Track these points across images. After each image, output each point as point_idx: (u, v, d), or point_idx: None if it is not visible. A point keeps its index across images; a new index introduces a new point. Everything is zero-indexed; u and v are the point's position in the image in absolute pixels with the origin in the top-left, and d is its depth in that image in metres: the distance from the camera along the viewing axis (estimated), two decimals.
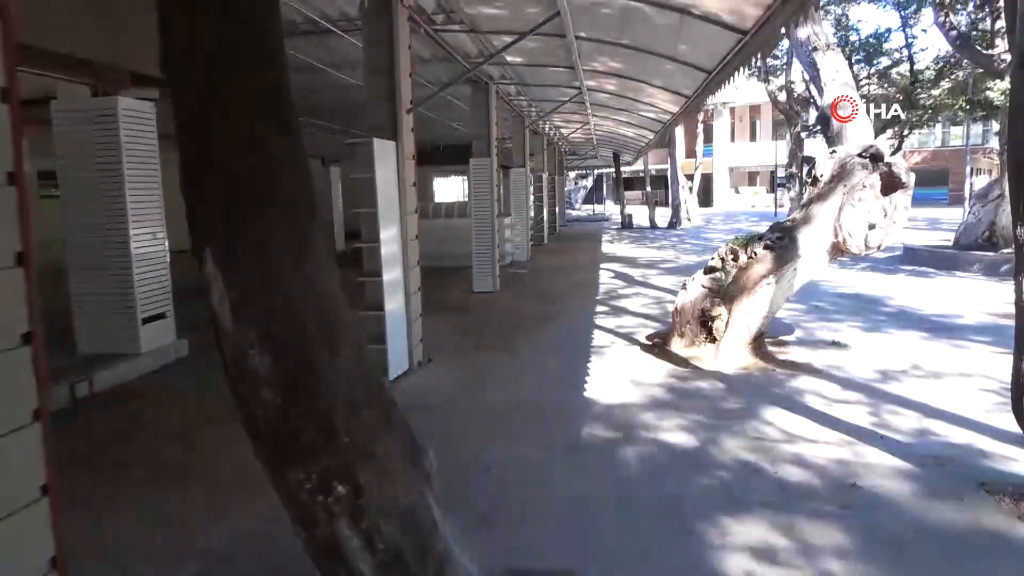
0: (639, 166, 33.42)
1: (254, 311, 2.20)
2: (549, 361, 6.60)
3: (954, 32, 14.49)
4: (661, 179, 39.82)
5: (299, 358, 2.22)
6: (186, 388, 5.91)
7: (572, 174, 46.28)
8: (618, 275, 12.92)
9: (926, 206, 36.93)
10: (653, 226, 26.38)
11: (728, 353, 6.35)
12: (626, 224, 26.99)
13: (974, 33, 16.41)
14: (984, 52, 14.26)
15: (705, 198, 40.88)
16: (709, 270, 6.62)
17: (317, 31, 7.20)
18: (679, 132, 28.20)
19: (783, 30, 4.80)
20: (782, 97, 21.19)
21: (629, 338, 7.42)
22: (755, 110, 43.81)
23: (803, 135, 21.17)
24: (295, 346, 2.22)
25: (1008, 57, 11.79)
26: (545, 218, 20.10)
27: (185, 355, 6.98)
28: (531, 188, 21.35)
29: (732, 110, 43.01)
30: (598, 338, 7.47)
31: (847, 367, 6.06)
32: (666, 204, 36.70)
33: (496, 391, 5.62)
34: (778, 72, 22.97)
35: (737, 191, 45.13)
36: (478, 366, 6.43)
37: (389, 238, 5.86)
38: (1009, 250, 11.02)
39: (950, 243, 14.11)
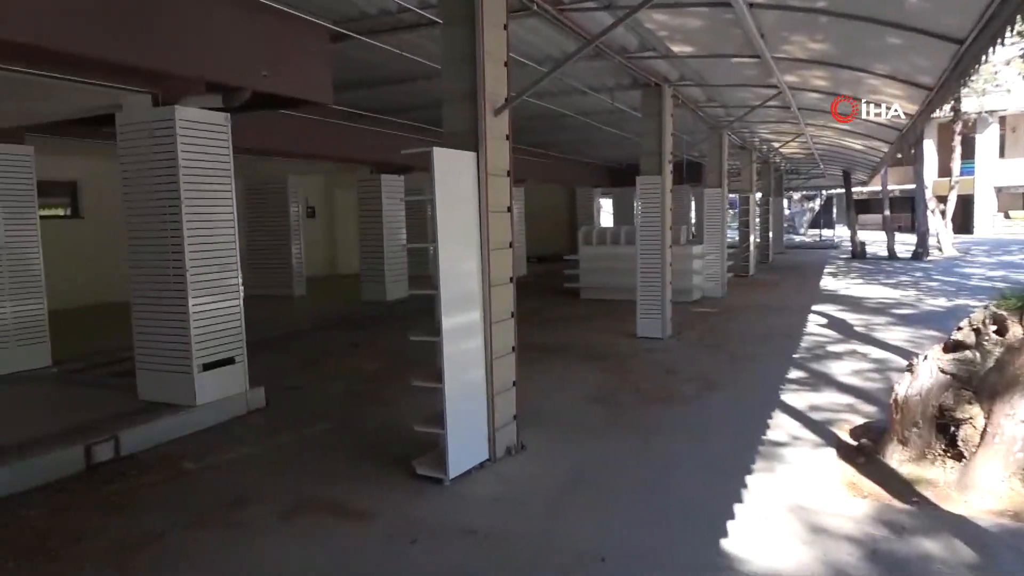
0: (876, 186, 28.86)
1: None
2: (690, 463, 4.59)
3: None
4: (904, 201, 34.40)
5: None
6: (231, 456, 4.79)
7: (796, 195, 41.72)
8: (832, 322, 10.23)
9: None
10: (892, 256, 22.19)
11: (983, 482, 3.93)
12: (857, 253, 23.00)
13: None
14: None
15: (963, 224, 34.46)
16: (954, 346, 4.23)
17: (424, 23, 5.92)
18: (928, 145, 23.69)
19: None
20: None
21: (824, 431, 5.15)
22: None
23: None
24: None
25: None
26: (752, 245, 17.39)
27: (261, 407, 5.97)
28: (732, 211, 18.83)
29: (1002, 119, 35.97)
30: (777, 426, 5.29)
31: None
32: (910, 230, 31.43)
33: (586, 517, 3.77)
34: None
35: (1007, 216, 37.61)
36: (585, 462, 4.60)
37: (457, 281, 4.29)
38: None
39: None
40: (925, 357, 4.31)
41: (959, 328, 4.21)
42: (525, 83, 4.84)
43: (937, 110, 7.38)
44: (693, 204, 22.28)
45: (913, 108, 7.38)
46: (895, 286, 15.09)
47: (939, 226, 23.23)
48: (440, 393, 4.16)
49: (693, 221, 21.09)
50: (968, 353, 4.13)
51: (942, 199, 24.83)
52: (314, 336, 9.64)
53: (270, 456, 4.86)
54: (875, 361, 7.53)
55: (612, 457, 4.71)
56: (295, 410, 6.00)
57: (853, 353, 7.99)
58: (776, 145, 16.79)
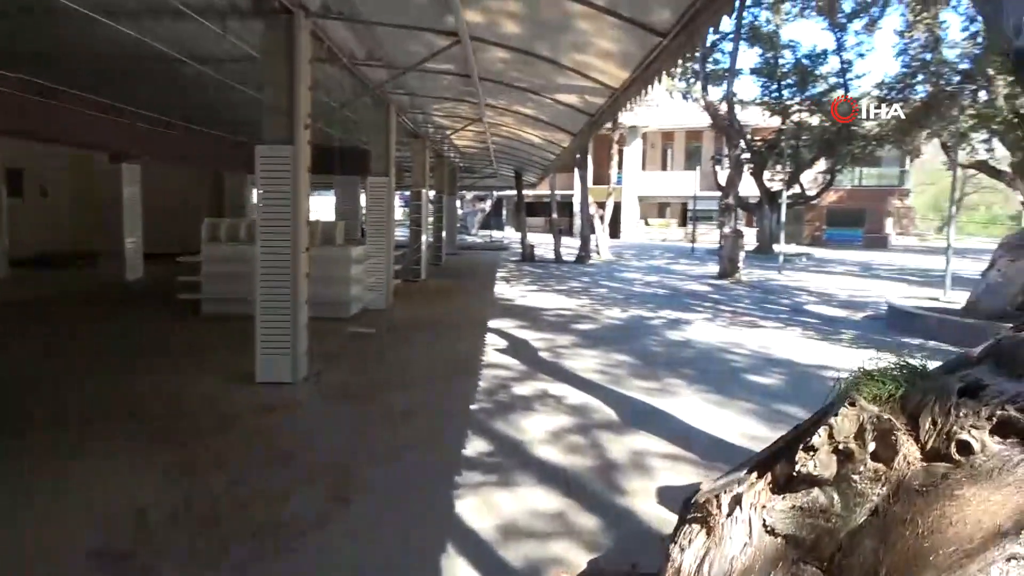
0: (542, 190, 29.43)
1: None
2: None
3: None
4: (564, 206, 36.06)
5: None
6: None
7: (469, 195, 41.82)
8: (513, 345, 8.38)
9: (842, 248, 34.96)
10: (559, 259, 22.17)
11: None
12: (527, 256, 22.69)
13: None
14: None
15: (613, 229, 37.43)
16: (790, 479, 2.13)
17: None
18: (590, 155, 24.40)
19: None
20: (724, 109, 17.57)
21: None
22: (668, 137, 40.91)
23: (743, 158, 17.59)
24: None
25: None
26: (424, 247, 15.42)
27: None
28: (401, 207, 16.85)
29: (644, 135, 39.91)
30: None
31: None
32: (568, 234, 32.96)
33: None
34: (719, 81, 19.45)
35: (647, 223, 42.02)
36: None
37: None
38: None
39: (950, 305, 10.98)
40: (738, 501, 2.15)
41: (805, 443, 2.09)
42: None
43: (650, 87, 5.66)
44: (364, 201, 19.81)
45: (623, 76, 5.62)
46: (568, 293, 14.23)
47: (598, 231, 23.96)
48: None
49: (363, 220, 18.61)
50: (819, 494, 2.05)
51: (601, 205, 25.85)
52: None
53: None
54: (574, 411, 5.63)
55: None
56: None
57: (544, 397, 6.04)
58: (449, 133, 14.96)
